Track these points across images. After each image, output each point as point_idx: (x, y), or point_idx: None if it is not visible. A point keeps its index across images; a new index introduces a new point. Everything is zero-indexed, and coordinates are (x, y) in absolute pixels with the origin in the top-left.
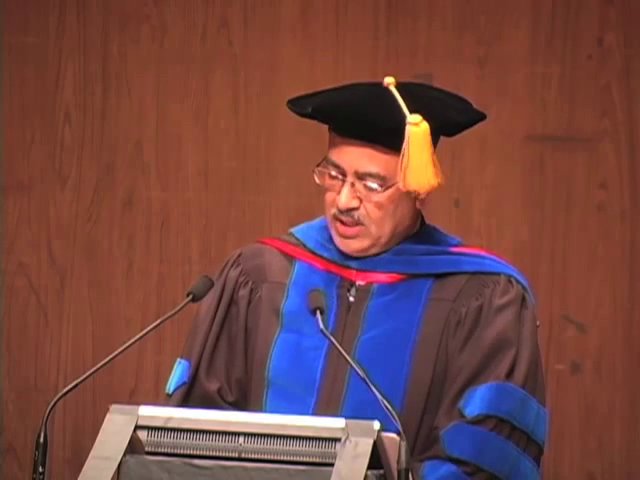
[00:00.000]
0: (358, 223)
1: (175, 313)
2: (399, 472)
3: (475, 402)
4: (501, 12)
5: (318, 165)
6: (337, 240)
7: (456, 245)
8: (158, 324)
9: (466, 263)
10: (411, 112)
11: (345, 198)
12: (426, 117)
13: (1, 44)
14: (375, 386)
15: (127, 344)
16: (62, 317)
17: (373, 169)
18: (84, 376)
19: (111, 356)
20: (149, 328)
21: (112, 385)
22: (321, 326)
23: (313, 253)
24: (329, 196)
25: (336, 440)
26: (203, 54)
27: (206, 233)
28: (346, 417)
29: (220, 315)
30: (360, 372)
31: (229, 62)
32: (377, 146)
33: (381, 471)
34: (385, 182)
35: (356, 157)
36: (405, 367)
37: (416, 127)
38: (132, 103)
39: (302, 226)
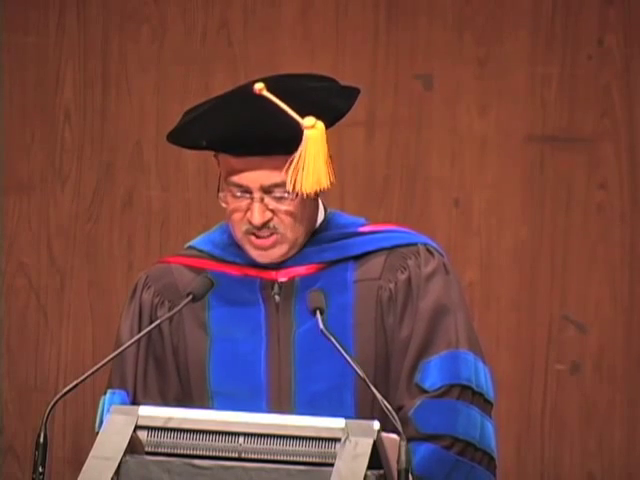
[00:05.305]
0: (274, 232)
1: (175, 313)
2: (399, 472)
3: (433, 374)
4: (501, 12)
5: (219, 191)
6: (253, 254)
7: (363, 225)
8: (158, 324)
9: (381, 240)
10: (301, 114)
11: (258, 215)
12: (317, 115)
13: (1, 44)
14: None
15: (127, 344)
16: (62, 317)
17: (278, 179)
18: (84, 376)
19: (111, 356)
20: (149, 328)
21: None
22: (321, 326)
23: (223, 261)
24: (237, 216)
25: (336, 440)
26: (203, 54)
27: None
28: (301, 412)
29: (143, 340)
30: (360, 372)
31: (229, 62)
32: (275, 157)
33: (381, 471)
34: None
35: (258, 173)
36: (349, 352)
37: (313, 129)
38: (132, 103)
39: (199, 239)
